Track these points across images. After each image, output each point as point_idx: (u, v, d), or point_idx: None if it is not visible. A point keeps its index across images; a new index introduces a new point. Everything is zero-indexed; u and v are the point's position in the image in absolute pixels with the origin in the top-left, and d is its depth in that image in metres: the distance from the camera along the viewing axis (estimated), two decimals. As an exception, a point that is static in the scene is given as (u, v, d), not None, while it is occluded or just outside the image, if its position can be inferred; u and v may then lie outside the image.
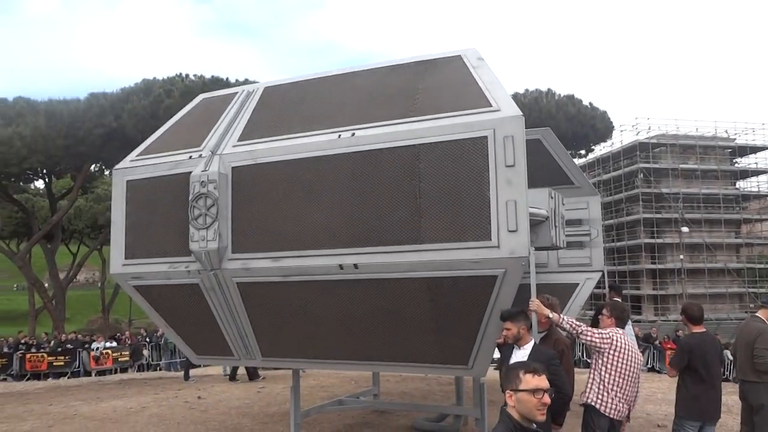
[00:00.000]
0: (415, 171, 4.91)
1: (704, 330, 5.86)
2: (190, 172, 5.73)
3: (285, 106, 6.07)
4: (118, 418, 9.12)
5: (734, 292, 50.06)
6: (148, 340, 21.81)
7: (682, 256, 43.53)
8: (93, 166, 33.56)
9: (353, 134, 5.20)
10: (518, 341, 4.81)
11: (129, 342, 22.51)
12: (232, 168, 5.65)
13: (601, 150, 46.52)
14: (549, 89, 29.24)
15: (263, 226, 5.50)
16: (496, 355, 5.64)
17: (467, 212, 4.72)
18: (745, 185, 54.09)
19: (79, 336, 23.97)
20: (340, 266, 5.17)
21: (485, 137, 4.68)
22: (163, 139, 6.46)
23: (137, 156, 6.43)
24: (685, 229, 42.30)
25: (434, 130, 4.87)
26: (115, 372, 19.76)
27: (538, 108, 25.74)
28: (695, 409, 5.59)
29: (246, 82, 29.80)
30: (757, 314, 6.37)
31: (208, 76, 30.77)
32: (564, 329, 5.15)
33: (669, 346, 19.27)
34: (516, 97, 26.19)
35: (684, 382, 5.66)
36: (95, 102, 28.48)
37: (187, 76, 31.30)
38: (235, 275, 5.65)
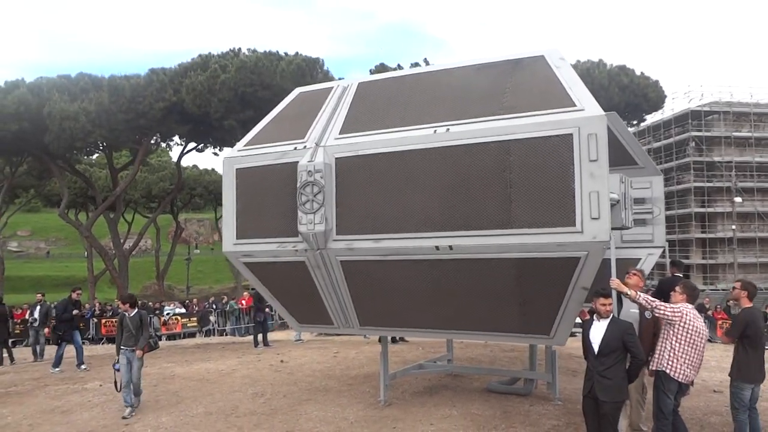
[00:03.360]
0: (506, 164, 5.51)
1: (753, 305, 6.37)
2: (297, 162, 6.45)
3: (380, 101, 6.70)
4: (214, 379, 10.09)
5: (786, 262, 49.26)
6: (214, 306, 23.04)
7: (734, 226, 42.94)
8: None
9: (448, 129, 5.81)
10: (601, 314, 5.42)
11: (197, 308, 23.81)
12: (336, 158, 6.35)
13: (652, 118, 45.93)
14: (600, 60, 29.10)
15: (365, 211, 6.20)
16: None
17: (554, 201, 5.31)
18: (801, 152, 52.70)
19: (149, 303, 25.41)
20: (436, 247, 5.84)
21: (571, 134, 5.23)
22: (267, 131, 7.17)
23: (244, 146, 7.16)
24: (738, 198, 41.67)
25: (524, 127, 5.45)
26: (183, 337, 20.95)
27: (590, 79, 25.67)
28: (749, 373, 6.15)
29: (297, 55, 30.46)
30: None
31: (260, 49, 31.51)
32: (640, 304, 5.74)
33: (720, 316, 19.47)
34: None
35: (739, 350, 6.19)
36: (155, 77, 29.56)
37: (239, 50, 32.15)
38: (339, 254, 6.38)
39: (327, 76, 29.47)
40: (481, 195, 5.61)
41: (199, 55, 31.41)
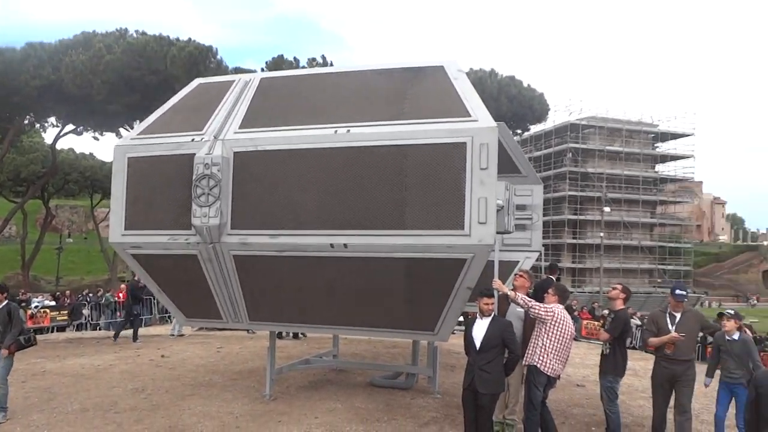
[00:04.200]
0: (402, 167, 5.75)
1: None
2: (194, 154, 6.36)
3: (282, 98, 6.75)
4: (90, 375, 9.64)
5: (645, 268, 53.72)
6: (89, 299, 21.86)
7: (602, 233, 46.27)
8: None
9: (348, 131, 5.97)
10: (483, 312, 5.78)
11: (68, 301, 22.49)
12: (234, 153, 6.33)
13: (536, 128, 48.55)
14: (492, 70, 30.49)
15: (262, 206, 6.23)
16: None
17: (445, 205, 5.61)
18: (664, 169, 57.64)
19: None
20: (331, 245, 5.99)
21: (465, 143, 5.55)
22: (163, 120, 7.01)
23: (138, 134, 6.96)
24: (606, 208, 44.91)
25: (421, 134, 5.71)
26: (52, 331, 19.67)
27: (482, 88, 26.85)
28: (621, 369, 6.80)
29: (189, 42, 29.52)
30: None
31: (150, 32, 30.23)
32: (518, 304, 6.18)
33: (585, 316, 20.91)
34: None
35: (616, 348, 6.80)
36: (33, 53, 27.67)
37: (126, 30, 30.69)
38: (233, 248, 6.37)
39: (220, 66, 28.80)
40: (377, 196, 5.82)
41: (82, 33, 29.65)
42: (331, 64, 28.72)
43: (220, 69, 27.88)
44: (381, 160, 5.82)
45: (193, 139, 6.53)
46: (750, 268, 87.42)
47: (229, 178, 6.30)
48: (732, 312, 7.26)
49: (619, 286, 7.02)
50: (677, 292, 6.62)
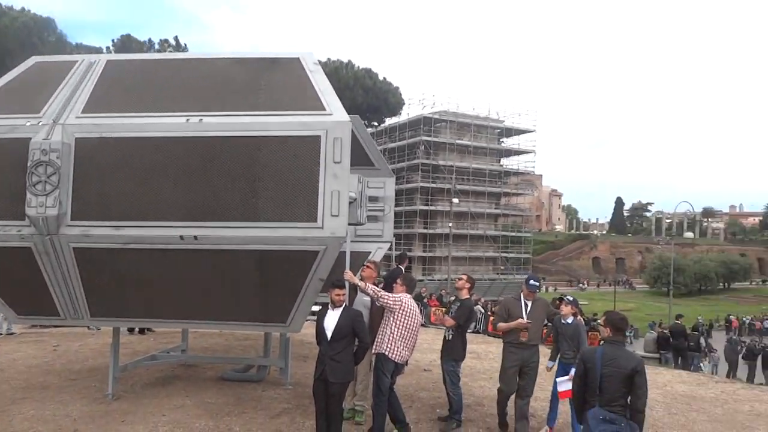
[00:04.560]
0: (255, 159, 5.71)
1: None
2: (30, 139, 5.88)
3: (131, 83, 6.41)
4: None
5: (489, 256, 57.11)
6: None
7: (450, 223, 48.46)
8: None
9: (201, 120, 5.82)
10: (335, 303, 5.90)
11: None
12: (76, 138, 5.92)
13: (390, 120, 49.78)
14: (349, 61, 30.88)
15: (106, 196, 5.90)
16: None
17: (299, 198, 5.66)
18: (508, 162, 61.49)
19: None
20: (181, 237, 5.82)
21: (319, 137, 5.62)
22: (-8, 100, 6.40)
23: (-38, 114, 6.30)
24: (455, 199, 47.08)
25: (275, 126, 5.71)
26: None
27: (338, 78, 27.13)
28: (462, 353, 7.24)
29: (24, 12, 26.91)
30: None
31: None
32: (368, 294, 6.37)
33: (433, 303, 21.87)
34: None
35: (459, 334, 7.22)
36: None
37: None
38: (73, 241, 5.98)
39: (61, 40, 26.59)
40: (229, 187, 5.73)
41: None
42: (185, 47, 27.53)
43: (61, 43, 25.73)
44: (234, 151, 5.74)
45: (28, 123, 6.03)
46: (582, 254, 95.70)
47: (70, 166, 5.89)
48: (571, 298, 7.82)
49: (464, 276, 7.45)
50: (531, 282, 6.99)
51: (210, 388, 8.11)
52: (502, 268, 57.71)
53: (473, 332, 18.48)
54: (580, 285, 74.33)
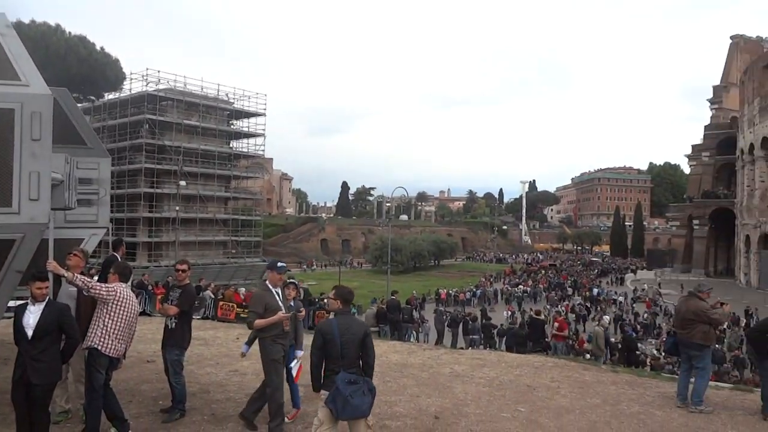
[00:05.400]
0: (-67, 133, 4.83)
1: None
2: None
3: None
4: None
5: (220, 240, 56.24)
6: None
7: (177, 207, 46.58)
8: None
9: None
10: (36, 298, 5.29)
11: None
12: None
13: (110, 96, 45.83)
14: (59, 25, 27.64)
15: None
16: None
17: (-11, 179, 4.93)
18: (238, 145, 60.91)
19: None
20: None
21: (13, 110, 4.95)
22: None
23: None
24: (183, 182, 45.34)
25: (-44, 95, 4.88)
26: None
27: (46, 45, 24.09)
28: (188, 342, 7.06)
29: None
30: None
31: None
32: (77, 286, 5.84)
33: (159, 291, 20.92)
34: (20, 28, 23.82)
35: (183, 321, 6.97)
36: None
37: None
38: None
39: None
40: None
41: None
42: None
43: None
44: None
45: None
46: (311, 237, 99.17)
47: None
48: (294, 281, 8.06)
49: (185, 265, 7.25)
50: (279, 264, 6.85)
51: None
52: (233, 252, 57.26)
53: (202, 318, 18.12)
54: (309, 267, 77.05)
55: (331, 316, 5.50)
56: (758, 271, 58.33)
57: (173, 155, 50.49)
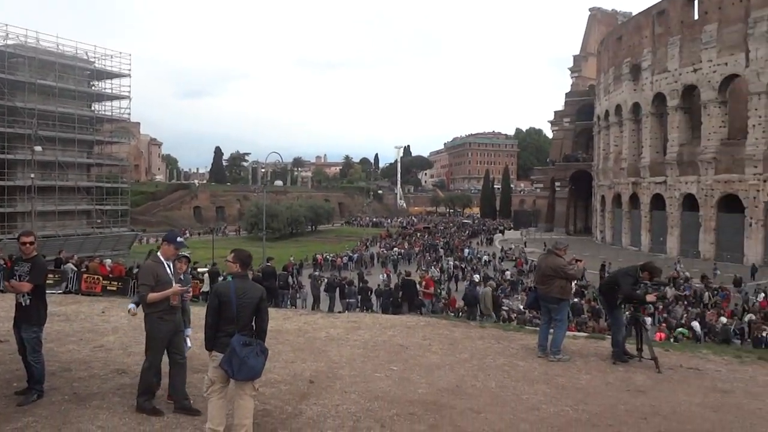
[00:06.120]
0: None
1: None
2: None
3: None
4: None
5: (83, 209, 52.77)
6: None
7: (33, 174, 43.15)
8: None
9: None
10: None
11: None
12: None
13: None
14: None
15: None
16: None
17: None
18: (100, 108, 56.99)
19: None
20: None
21: None
22: None
23: None
24: (38, 147, 41.94)
25: None
26: None
27: None
28: (44, 318, 6.68)
29: None
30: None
31: None
32: None
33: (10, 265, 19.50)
34: None
35: (37, 297, 6.51)
36: None
37: None
38: None
39: None
40: None
41: None
42: None
43: None
44: None
45: None
46: (183, 204, 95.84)
47: None
48: (186, 254, 7.83)
49: (31, 236, 6.76)
50: (178, 240, 6.53)
51: None
52: (98, 221, 53.97)
53: (65, 293, 17.10)
54: (185, 236, 74.42)
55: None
56: (612, 228, 63.55)
57: (26, 118, 46.44)
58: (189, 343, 7.09)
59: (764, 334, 18.41)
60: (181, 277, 6.86)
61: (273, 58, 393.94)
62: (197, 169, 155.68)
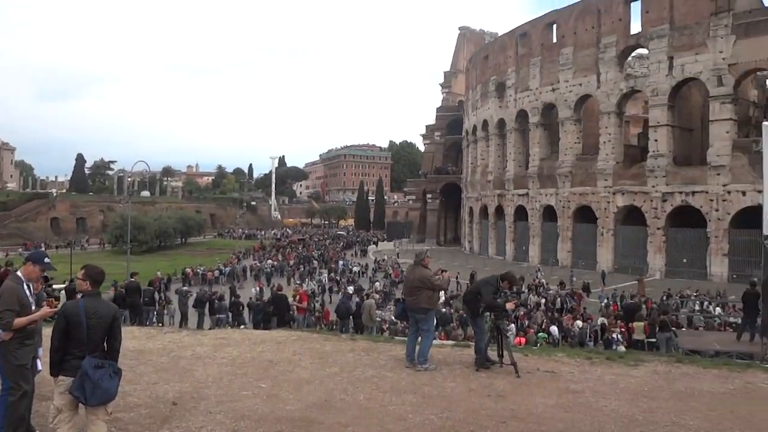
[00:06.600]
0: None
1: None
2: None
3: None
4: None
5: None
6: None
7: None
8: None
9: None
10: None
11: None
12: None
13: None
14: None
15: None
16: None
17: None
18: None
19: None
20: None
21: None
22: None
23: None
24: None
25: None
26: None
27: None
28: None
29: None
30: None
31: None
32: None
33: None
34: None
35: None
36: None
37: None
38: None
39: None
40: None
41: None
42: None
43: None
44: None
45: None
46: (39, 215, 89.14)
47: None
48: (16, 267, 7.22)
49: None
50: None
51: None
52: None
53: None
54: (39, 250, 68.98)
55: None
56: (480, 238, 66.40)
57: None
58: (39, 366, 6.57)
59: (614, 335, 19.94)
60: (35, 295, 6.31)
61: (145, 62, 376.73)
62: (56, 177, 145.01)
